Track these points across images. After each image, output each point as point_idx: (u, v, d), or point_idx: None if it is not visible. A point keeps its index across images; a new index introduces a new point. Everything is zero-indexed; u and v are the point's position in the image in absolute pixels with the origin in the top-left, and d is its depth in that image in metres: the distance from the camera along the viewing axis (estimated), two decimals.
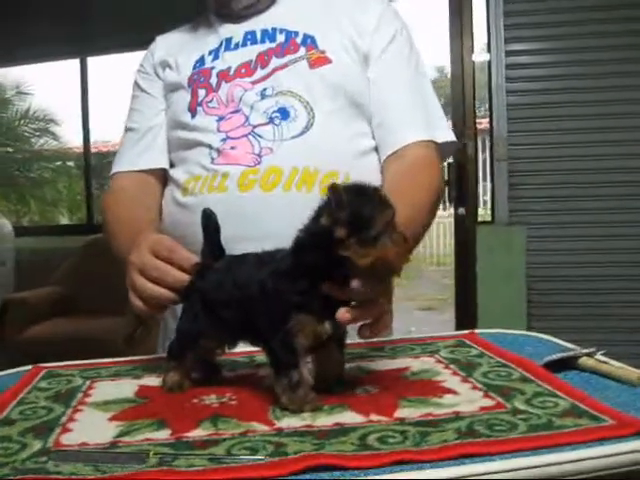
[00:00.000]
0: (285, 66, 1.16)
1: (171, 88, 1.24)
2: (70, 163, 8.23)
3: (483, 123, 4.25)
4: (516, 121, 3.48)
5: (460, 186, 3.62)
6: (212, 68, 1.20)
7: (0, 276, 4.06)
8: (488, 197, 3.65)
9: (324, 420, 0.69)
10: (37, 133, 7.87)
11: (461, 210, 3.66)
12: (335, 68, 1.15)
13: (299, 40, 1.18)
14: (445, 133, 1.20)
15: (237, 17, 1.24)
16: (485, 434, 0.64)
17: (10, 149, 7.78)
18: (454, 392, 0.77)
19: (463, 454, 0.59)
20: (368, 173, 1.12)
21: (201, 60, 1.22)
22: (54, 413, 0.75)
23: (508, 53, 3.47)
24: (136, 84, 1.30)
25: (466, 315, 3.58)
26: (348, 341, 1.00)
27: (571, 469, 0.59)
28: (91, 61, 4.31)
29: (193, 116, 1.18)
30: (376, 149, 1.18)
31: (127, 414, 0.74)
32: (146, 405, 0.77)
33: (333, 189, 0.71)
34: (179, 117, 1.20)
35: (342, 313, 0.72)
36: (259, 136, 1.11)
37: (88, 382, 0.87)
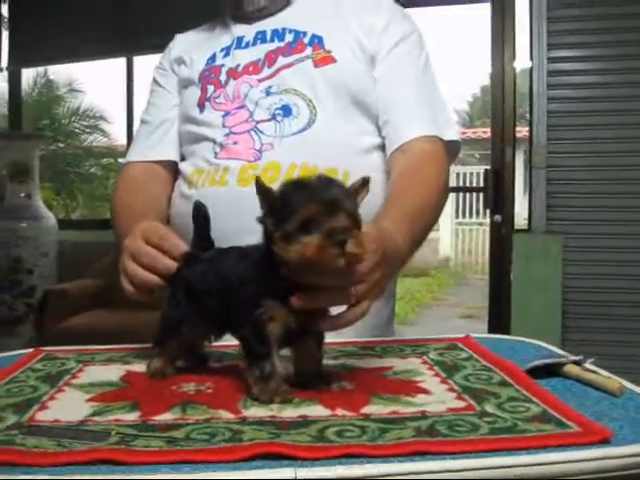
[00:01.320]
0: (291, 65, 1.19)
1: (184, 84, 1.29)
2: (120, 160, 8.42)
3: (522, 131, 4.20)
4: (556, 129, 3.43)
5: (497, 193, 3.59)
6: (222, 65, 1.24)
7: (43, 267, 4.18)
8: (526, 205, 3.60)
9: (290, 412, 0.70)
10: (87, 130, 8.11)
11: (497, 217, 3.62)
12: (339, 67, 1.17)
13: (306, 40, 1.21)
14: (452, 132, 1.20)
15: (250, 18, 1.27)
16: (444, 434, 0.65)
17: (61, 145, 8.02)
18: (427, 392, 0.78)
19: (415, 451, 0.60)
20: (370, 170, 1.12)
21: (213, 57, 1.27)
22: (38, 392, 0.78)
23: (550, 60, 3.42)
24: (154, 79, 1.35)
25: (499, 324, 3.53)
26: (341, 340, 1.02)
27: (520, 473, 0.59)
28: (137, 60, 4.43)
29: (201, 111, 1.22)
30: (380, 147, 1.19)
31: (105, 396, 0.77)
32: (125, 389, 0.80)
33: (256, 183, 0.73)
34: (189, 112, 1.24)
35: (293, 298, 0.73)
36: (261, 132, 1.14)
37: (80, 365, 0.91)
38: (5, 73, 4.93)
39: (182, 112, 1.28)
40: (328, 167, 1.09)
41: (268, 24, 1.26)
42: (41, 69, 7.83)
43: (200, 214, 0.87)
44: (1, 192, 4.38)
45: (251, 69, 1.21)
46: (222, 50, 1.27)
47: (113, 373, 0.86)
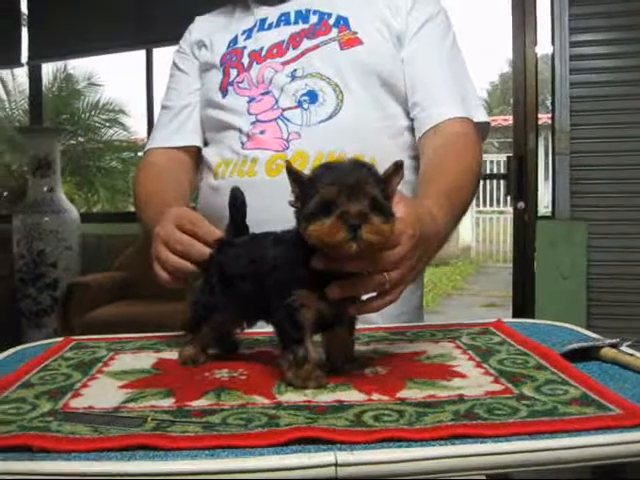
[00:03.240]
0: (316, 47, 1.17)
1: (205, 67, 1.27)
2: (140, 153, 8.46)
3: (543, 118, 4.15)
4: (579, 114, 3.38)
5: (520, 180, 3.55)
6: (244, 48, 1.22)
7: (66, 260, 4.21)
8: (546, 192, 3.56)
9: (325, 397, 0.70)
10: (107, 124, 8.15)
11: (520, 204, 3.59)
12: (366, 49, 1.16)
13: (332, 21, 1.19)
14: (481, 113, 1.19)
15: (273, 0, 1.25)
16: (483, 417, 0.64)
17: (81, 139, 8.07)
18: (463, 376, 0.77)
19: (455, 435, 0.59)
20: (399, 153, 1.13)
21: (234, 40, 1.25)
22: (71, 380, 0.78)
23: (573, 44, 3.37)
24: (174, 63, 1.34)
25: (523, 312, 3.51)
26: (371, 325, 1.01)
27: (562, 456, 0.58)
28: (156, 52, 4.42)
29: (224, 95, 1.20)
30: (409, 129, 1.18)
31: (138, 383, 0.76)
32: (158, 376, 0.80)
33: (287, 166, 0.73)
34: (211, 96, 1.23)
35: (331, 289, 0.72)
36: (287, 120, 1.13)
37: (111, 353, 0.91)
38: (25, 68, 4.97)
39: (203, 96, 1.26)
40: (355, 153, 1.06)
41: (292, 5, 1.24)
42: (60, 64, 7.88)
43: (237, 201, 0.86)
44: (24, 186, 4.42)
45: (275, 51, 1.19)
46: (244, 33, 1.25)
47: (145, 361, 0.86)
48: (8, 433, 0.60)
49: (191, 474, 0.54)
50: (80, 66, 8.06)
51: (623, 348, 0.86)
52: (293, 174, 0.73)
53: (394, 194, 0.74)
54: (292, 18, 1.22)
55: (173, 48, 1.38)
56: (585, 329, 1.05)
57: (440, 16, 1.22)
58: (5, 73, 7.78)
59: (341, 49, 1.16)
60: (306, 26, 1.20)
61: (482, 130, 1.19)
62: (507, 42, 3.52)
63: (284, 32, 1.21)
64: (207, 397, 0.70)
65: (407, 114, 1.18)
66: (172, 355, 0.88)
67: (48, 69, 7.66)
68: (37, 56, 4.79)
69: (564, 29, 3.38)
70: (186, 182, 1.23)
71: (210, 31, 1.30)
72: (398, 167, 0.74)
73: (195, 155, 1.28)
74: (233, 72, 1.21)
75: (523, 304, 3.57)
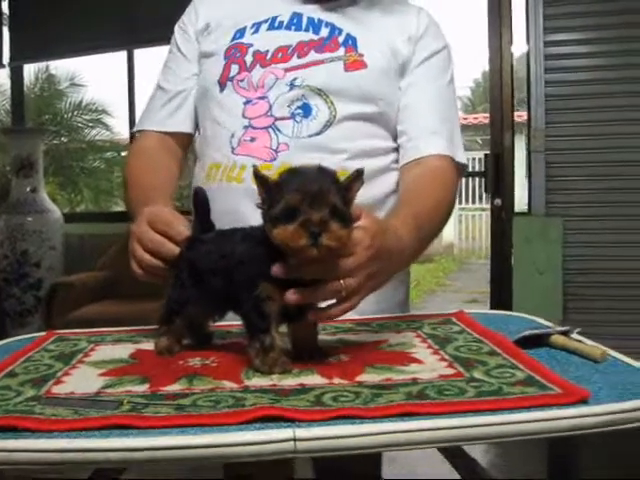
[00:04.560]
0: (321, 62, 1.18)
1: (207, 55, 1.26)
2: (123, 153, 8.46)
3: (523, 116, 4.23)
4: (554, 112, 3.46)
5: (497, 177, 3.63)
6: (250, 45, 1.22)
7: (49, 260, 4.24)
8: (525, 188, 3.63)
9: (289, 381, 0.75)
10: (90, 124, 8.15)
11: (497, 201, 3.66)
12: (369, 74, 1.18)
13: (341, 39, 1.21)
14: (462, 154, 1.24)
15: None
16: (432, 397, 0.69)
17: (64, 139, 8.06)
18: (420, 362, 0.83)
19: (405, 412, 0.65)
20: (379, 173, 1.19)
21: (242, 31, 1.24)
22: (53, 369, 0.83)
23: (547, 43, 3.44)
24: (175, 40, 1.33)
25: (501, 306, 3.58)
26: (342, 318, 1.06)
27: (502, 430, 0.64)
28: (137, 53, 4.47)
29: (222, 89, 1.21)
30: (393, 150, 1.22)
31: (116, 371, 0.82)
32: (135, 365, 0.85)
33: (254, 171, 0.79)
34: (209, 86, 1.23)
35: (289, 294, 0.77)
36: (279, 130, 1.15)
37: (91, 345, 0.96)
38: (7, 69, 4.97)
39: (200, 84, 1.27)
40: (340, 168, 1.08)
41: (307, 8, 1.24)
42: (42, 64, 7.87)
43: (199, 198, 0.92)
44: (6, 187, 4.43)
45: (280, 55, 1.19)
46: (253, 26, 1.24)
47: (123, 351, 0.91)
48: None
49: (160, 449, 0.59)
50: (62, 67, 8.07)
51: (574, 335, 0.92)
52: (260, 178, 0.79)
53: (354, 200, 0.80)
54: (304, 23, 1.23)
55: (155, 49, 1.39)
56: (562, 323, 1.11)
57: (444, 52, 1.26)
58: None
59: (345, 70, 1.18)
60: (316, 38, 1.21)
61: (460, 171, 1.24)
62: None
63: (293, 37, 1.21)
64: (180, 382, 0.76)
65: (394, 138, 1.22)
66: (149, 346, 0.93)
67: (30, 70, 7.65)
68: (19, 57, 4.79)
69: (539, 29, 3.45)
70: (175, 170, 1.25)
71: (217, 14, 1.28)
72: (359, 174, 0.81)
73: (186, 141, 1.30)
74: (235, 67, 1.21)
75: (500, 300, 3.65)
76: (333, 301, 0.81)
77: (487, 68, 3.72)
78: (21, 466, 0.60)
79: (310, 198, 0.74)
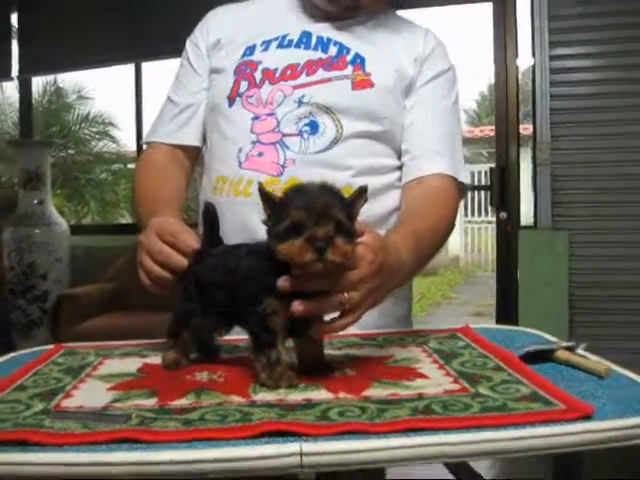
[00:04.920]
0: (329, 80, 1.20)
1: (217, 70, 1.28)
2: (130, 166, 8.50)
3: (529, 129, 4.24)
4: (560, 126, 3.47)
5: (502, 190, 3.63)
6: (259, 63, 1.23)
7: (56, 272, 4.25)
8: (531, 202, 3.64)
9: (296, 396, 0.76)
10: (97, 136, 8.21)
11: (503, 214, 3.67)
12: (376, 93, 1.20)
13: (349, 58, 1.22)
14: (464, 174, 1.25)
15: (312, 15, 1.27)
16: (438, 412, 0.70)
17: (71, 151, 8.12)
18: (425, 377, 0.83)
19: (410, 428, 0.65)
20: (384, 190, 1.20)
21: (252, 48, 1.26)
22: (62, 382, 0.84)
23: (553, 57, 3.46)
24: (186, 54, 1.35)
25: (507, 320, 3.57)
26: (346, 332, 1.07)
27: (506, 446, 0.64)
28: (145, 66, 4.50)
29: (230, 104, 1.23)
30: (396, 168, 1.24)
31: (124, 385, 0.83)
32: (143, 379, 0.86)
33: (259, 188, 0.81)
34: (218, 101, 1.25)
35: (295, 305, 0.78)
36: (286, 147, 1.16)
37: (100, 359, 0.97)
38: (16, 82, 5.02)
39: (210, 99, 1.28)
40: (344, 185, 1.08)
41: (316, 27, 1.26)
42: (50, 77, 7.94)
43: (210, 214, 0.93)
44: (14, 199, 4.46)
45: (289, 72, 1.21)
46: (263, 43, 1.26)
47: (131, 365, 0.92)
48: (4, 429, 0.67)
49: (169, 462, 0.60)
50: (70, 79, 8.15)
51: (578, 351, 0.93)
52: (265, 195, 0.81)
53: (357, 215, 0.82)
54: (313, 42, 1.24)
55: (162, 63, 1.41)
56: (568, 337, 1.11)
57: (449, 73, 1.28)
58: None
59: (352, 89, 1.20)
60: (324, 56, 1.22)
61: (462, 191, 1.25)
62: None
63: (302, 55, 1.23)
64: (188, 397, 0.77)
65: (398, 157, 1.24)
66: (156, 360, 0.94)
67: (38, 82, 7.72)
68: (27, 70, 4.84)
69: (544, 43, 3.47)
70: (182, 183, 1.27)
71: (229, 30, 1.30)
72: (362, 191, 0.83)
73: (194, 154, 1.32)
74: (244, 84, 1.22)
75: (506, 313, 3.65)
76: (336, 315, 0.83)
77: (493, 81, 3.73)
78: None
79: (315, 214, 0.76)
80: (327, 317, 0.83)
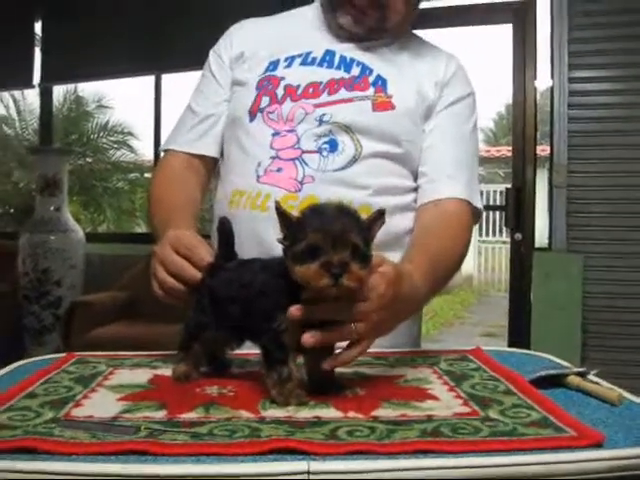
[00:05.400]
0: (350, 100, 1.21)
1: (239, 83, 1.29)
2: (147, 175, 8.55)
3: (546, 150, 4.23)
4: (577, 148, 3.46)
5: (518, 211, 3.62)
6: (282, 79, 1.24)
7: (70, 279, 4.28)
8: (546, 223, 3.62)
9: (305, 413, 0.76)
10: (115, 145, 8.28)
11: (518, 236, 3.66)
12: (396, 115, 1.21)
13: (371, 79, 1.23)
14: (478, 199, 1.26)
15: (337, 35, 1.27)
16: (447, 435, 0.70)
17: (89, 160, 8.20)
18: (435, 398, 0.83)
19: (419, 450, 0.65)
20: (399, 211, 1.20)
21: (275, 64, 1.27)
22: (73, 391, 0.85)
23: (571, 80, 3.46)
24: (208, 64, 1.36)
25: (519, 342, 3.55)
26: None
27: (516, 472, 0.64)
28: (165, 78, 4.55)
29: (251, 119, 1.23)
30: (413, 190, 1.24)
31: (134, 396, 0.83)
32: (153, 390, 0.86)
33: (276, 207, 0.81)
34: (239, 114, 1.25)
35: (306, 337, 0.79)
36: (305, 163, 1.17)
37: (110, 369, 0.97)
38: (37, 89, 5.08)
39: (231, 111, 1.29)
40: (361, 204, 1.10)
41: (340, 46, 1.27)
42: (71, 86, 8.02)
43: (225, 229, 0.94)
44: (31, 204, 4.50)
45: (311, 91, 1.22)
46: (286, 59, 1.26)
47: (141, 376, 0.93)
48: (14, 437, 0.67)
49: (176, 476, 0.60)
50: (90, 88, 8.24)
51: (590, 377, 0.92)
52: (281, 215, 0.81)
53: (374, 238, 0.82)
54: (336, 62, 1.25)
55: (182, 75, 1.41)
56: (580, 361, 1.11)
57: (469, 99, 1.29)
58: (16, 93, 7.93)
59: (373, 110, 1.20)
60: (347, 76, 1.23)
61: (476, 216, 1.26)
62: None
63: (325, 74, 1.24)
64: (197, 410, 0.77)
65: (415, 178, 1.24)
66: (167, 372, 0.94)
67: (58, 90, 7.80)
68: (49, 78, 4.90)
69: (563, 65, 3.47)
70: (198, 193, 1.27)
71: (253, 44, 1.31)
72: (380, 214, 0.83)
73: (211, 165, 1.32)
74: (265, 99, 1.23)
75: (519, 335, 3.62)
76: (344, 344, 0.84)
77: (510, 101, 3.73)
78: None
79: (332, 238, 0.76)
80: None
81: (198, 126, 1.31)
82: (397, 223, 1.19)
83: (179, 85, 4.49)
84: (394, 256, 1.02)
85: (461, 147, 1.26)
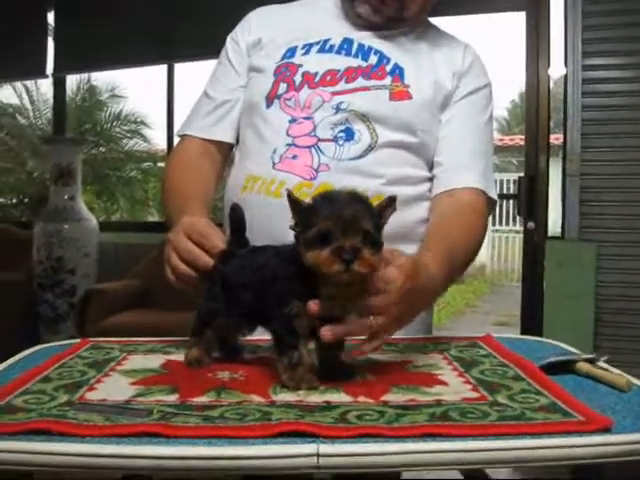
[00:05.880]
0: (367, 89, 1.21)
1: (256, 69, 1.29)
2: (160, 164, 8.56)
3: (560, 138, 4.21)
4: (590, 137, 3.43)
5: (531, 200, 3.61)
6: (300, 66, 1.24)
7: (84, 267, 4.31)
8: (559, 212, 3.60)
9: (315, 398, 0.77)
10: (128, 135, 8.30)
11: (530, 224, 3.64)
12: (413, 105, 1.21)
13: (389, 68, 1.23)
14: (493, 189, 1.26)
15: (355, 24, 1.27)
16: (455, 419, 0.70)
17: (103, 149, 8.23)
18: (445, 384, 0.84)
19: (427, 433, 0.66)
20: (414, 200, 1.20)
21: (293, 50, 1.27)
22: (87, 376, 0.86)
23: (585, 67, 3.43)
24: (225, 51, 1.36)
25: (531, 331, 3.54)
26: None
27: (523, 455, 0.65)
28: (178, 67, 4.55)
29: (268, 106, 1.23)
30: (428, 179, 1.24)
31: (147, 381, 0.84)
32: (165, 375, 0.87)
33: (288, 195, 0.81)
34: (256, 100, 1.25)
35: (324, 331, 0.80)
36: (321, 151, 1.17)
37: (124, 354, 0.98)
38: (50, 79, 5.10)
39: (247, 97, 1.29)
40: (375, 193, 1.09)
41: (358, 34, 1.27)
42: (84, 75, 8.05)
43: (237, 215, 0.94)
44: (45, 194, 4.53)
45: (329, 78, 1.22)
46: (304, 47, 1.26)
47: (154, 361, 0.94)
48: (29, 419, 0.68)
49: (188, 458, 0.61)
50: (103, 78, 8.25)
51: (600, 363, 0.93)
52: (293, 202, 0.82)
53: (385, 224, 0.83)
54: (354, 50, 1.25)
55: (194, 64, 1.40)
56: (593, 349, 1.11)
57: (486, 90, 1.29)
58: (30, 83, 7.96)
59: (390, 99, 1.20)
60: (364, 64, 1.23)
61: (490, 205, 1.26)
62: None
63: (342, 62, 1.23)
64: (208, 395, 0.78)
65: (430, 168, 1.25)
66: (179, 357, 0.96)
67: (72, 80, 7.81)
68: (62, 68, 4.92)
69: (577, 53, 3.43)
70: (213, 178, 1.28)
71: (270, 30, 1.31)
72: (391, 201, 0.83)
73: (226, 151, 1.32)
74: (283, 86, 1.23)
75: (532, 324, 3.61)
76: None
77: (524, 89, 3.71)
78: (53, 469, 0.63)
79: (343, 224, 0.77)
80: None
81: (214, 112, 1.31)
82: (412, 213, 1.20)
83: (192, 74, 4.50)
84: (409, 248, 1.02)
85: (477, 137, 1.26)
